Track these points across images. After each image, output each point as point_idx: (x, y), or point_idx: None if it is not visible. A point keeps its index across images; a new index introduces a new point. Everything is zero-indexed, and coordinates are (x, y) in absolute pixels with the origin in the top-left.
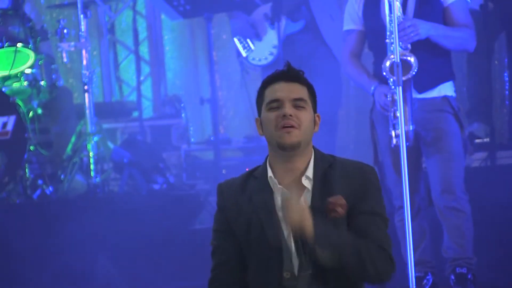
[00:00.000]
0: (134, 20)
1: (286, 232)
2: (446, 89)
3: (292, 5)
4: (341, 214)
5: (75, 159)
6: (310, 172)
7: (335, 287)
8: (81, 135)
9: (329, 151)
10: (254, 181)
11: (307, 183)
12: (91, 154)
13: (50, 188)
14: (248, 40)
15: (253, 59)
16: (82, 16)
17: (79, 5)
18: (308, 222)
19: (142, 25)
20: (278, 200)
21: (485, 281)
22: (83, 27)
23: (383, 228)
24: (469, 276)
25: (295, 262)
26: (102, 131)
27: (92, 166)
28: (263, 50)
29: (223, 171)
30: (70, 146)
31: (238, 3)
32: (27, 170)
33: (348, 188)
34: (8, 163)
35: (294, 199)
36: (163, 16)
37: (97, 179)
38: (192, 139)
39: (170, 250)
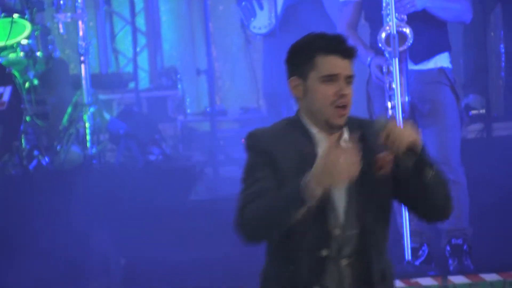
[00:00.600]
0: None
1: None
2: (442, 61)
3: None
4: (389, 171)
5: (71, 130)
6: (346, 135)
7: (377, 250)
8: (77, 106)
9: None
10: (295, 132)
11: (345, 145)
12: (87, 125)
13: (46, 159)
14: (255, 4)
15: (254, 27)
16: None
17: None
18: (418, 138)
19: None
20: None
21: (481, 252)
22: None
23: None
24: (464, 247)
25: (341, 220)
26: (98, 102)
27: (88, 137)
28: (264, 19)
29: (221, 142)
30: (66, 117)
31: None
32: (23, 141)
33: (377, 143)
34: (4, 134)
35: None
36: None
37: (93, 150)
38: (189, 111)
39: (166, 221)
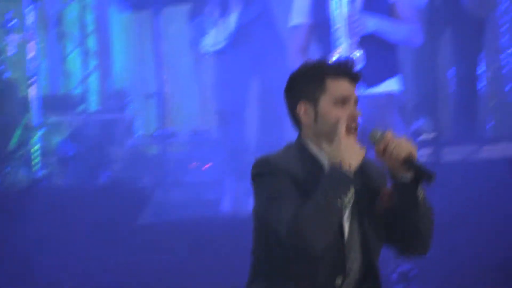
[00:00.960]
0: (82, 13)
1: None
2: (393, 84)
3: None
4: (388, 204)
5: (20, 152)
6: None
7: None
8: (26, 128)
9: (281, 141)
10: (304, 159)
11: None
12: (36, 147)
13: None
14: (208, 23)
15: (206, 45)
16: (29, 7)
17: None
18: (415, 150)
19: (90, 17)
20: None
21: (430, 279)
22: (30, 19)
23: None
24: (411, 274)
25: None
26: (48, 124)
27: (37, 160)
28: (216, 37)
29: (170, 166)
30: (15, 139)
31: None
32: None
33: (380, 178)
34: None
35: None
36: (111, 8)
37: (43, 173)
38: (138, 133)
39: (114, 244)
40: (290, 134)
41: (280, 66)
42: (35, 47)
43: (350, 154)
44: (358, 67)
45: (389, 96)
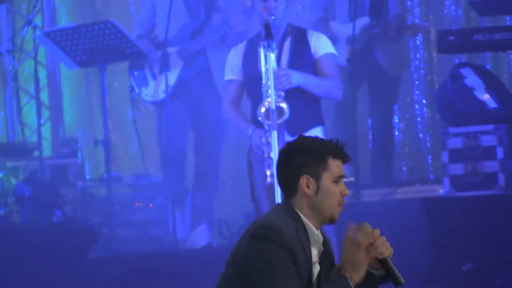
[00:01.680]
0: (35, 69)
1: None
2: (316, 133)
3: (190, 53)
4: None
5: None
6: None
7: None
8: None
9: (211, 186)
10: (298, 232)
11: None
12: None
13: None
14: (148, 74)
15: (146, 95)
16: None
17: None
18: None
19: (42, 73)
20: (313, 252)
21: None
22: None
23: None
24: None
25: None
26: (6, 169)
27: None
28: (156, 88)
29: (116, 206)
30: None
31: (128, 54)
32: None
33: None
34: None
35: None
36: (61, 65)
37: (1, 212)
38: (87, 177)
39: (67, 277)
40: (221, 177)
41: (216, 117)
42: None
43: (360, 271)
44: (283, 117)
45: None
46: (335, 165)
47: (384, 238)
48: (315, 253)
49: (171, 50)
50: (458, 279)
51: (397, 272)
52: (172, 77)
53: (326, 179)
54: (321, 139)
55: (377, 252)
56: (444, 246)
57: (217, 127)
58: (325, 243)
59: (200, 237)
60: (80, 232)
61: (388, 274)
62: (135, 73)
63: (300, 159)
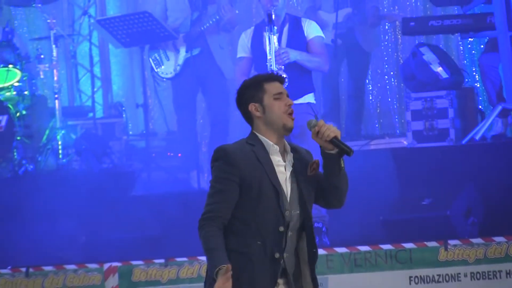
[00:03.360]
0: (90, 49)
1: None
2: (309, 98)
3: (193, 36)
4: (314, 173)
5: (48, 146)
6: (290, 155)
7: (310, 223)
8: (52, 129)
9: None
10: (253, 147)
11: (285, 148)
12: (59, 142)
13: (31, 166)
14: (162, 56)
15: (162, 73)
16: (54, 46)
17: (52, 38)
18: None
19: (95, 52)
20: (275, 159)
21: (335, 232)
22: (54, 53)
23: None
24: (323, 229)
25: (286, 203)
26: (67, 127)
27: (60, 151)
28: (169, 67)
29: (153, 155)
30: (45, 137)
31: (161, 37)
32: (15, 153)
33: (307, 155)
34: (1, 148)
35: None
36: (110, 46)
37: (64, 160)
38: (130, 132)
39: (114, 210)
40: (231, 136)
41: (217, 87)
42: (58, 73)
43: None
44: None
45: (307, 105)
46: (271, 86)
47: (328, 125)
48: (277, 159)
49: (180, 35)
50: (419, 211)
51: (345, 146)
52: (180, 57)
53: (267, 99)
54: (256, 74)
55: (324, 136)
56: (408, 186)
57: (221, 94)
58: (296, 150)
59: None
60: (124, 176)
61: (339, 150)
62: (153, 56)
63: (244, 94)
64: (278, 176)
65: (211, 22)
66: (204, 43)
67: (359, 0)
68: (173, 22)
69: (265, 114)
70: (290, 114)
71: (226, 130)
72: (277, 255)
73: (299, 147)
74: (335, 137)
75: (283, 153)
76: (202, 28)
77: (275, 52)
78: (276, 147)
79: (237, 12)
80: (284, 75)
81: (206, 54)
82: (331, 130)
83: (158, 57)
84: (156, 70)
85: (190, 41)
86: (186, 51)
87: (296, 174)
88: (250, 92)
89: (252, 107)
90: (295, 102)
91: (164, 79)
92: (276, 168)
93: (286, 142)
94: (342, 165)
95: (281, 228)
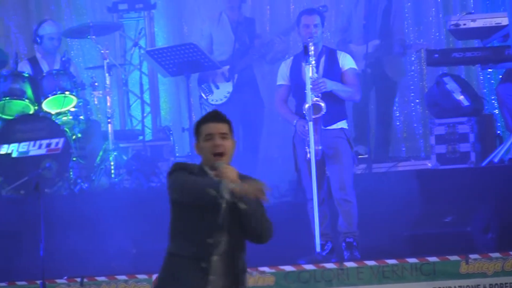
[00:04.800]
0: (140, 77)
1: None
2: (342, 124)
3: (241, 67)
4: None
5: (102, 166)
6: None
7: (237, 251)
8: (105, 151)
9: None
10: (200, 170)
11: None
12: (112, 163)
13: (86, 185)
14: (212, 85)
15: (212, 100)
16: (107, 74)
17: (105, 67)
18: (236, 180)
19: (145, 80)
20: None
21: (365, 247)
22: (107, 81)
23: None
24: (354, 244)
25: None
26: (119, 149)
27: (112, 171)
28: (219, 95)
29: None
30: (98, 158)
31: (206, 67)
32: (71, 173)
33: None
34: (59, 168)
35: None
36: (158, 75)
37: (116, 179)
38: (177, 154)
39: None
40: (269, 155)
41: (260, 115)
42: (111, 99)
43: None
44: (321, 112)
45: (340, 130)
46: (204, 128)
47: (226, 170)
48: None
49: (226, 67)
50: (442, 227)
51: (237, 198)
52: (229, 86)
53: (201, 140)
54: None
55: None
56: (432, 204)
57: (259, 118)
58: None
59: None
60: None
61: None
62: (203, 85)
63: (194, 134)
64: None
65: (259, 54)
66: (251, 74)
67: (387, 32)
68: (219, 55)
69: (201, 152)
70: (216, 154)
71: (256, 154)
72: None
73: (248, 178)
74: (233, 180)
75: None
76: (248, 60)
77: (313, 81)
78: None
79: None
80: (323, 104)
81: (252, 84)
82: (227, 175)
83: (207, 87)
84: (205, 98)
85: (237, 71)
86: (234, 81)
87: (228, 206)
88: (194, 133)
89: (195, 146)
90: (329, 127)
91: (214, 106)
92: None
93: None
94: (242, 207)
95: (210, 241)
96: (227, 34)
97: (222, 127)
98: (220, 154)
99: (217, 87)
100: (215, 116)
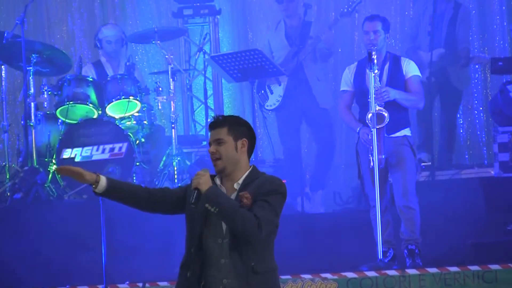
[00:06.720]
0: (204, 83)
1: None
2: (405, 132)
3: (291, 68)
4: (246, 203)
5: (165, 171)
6: (241, 180)
7: (241, 253)
8: (169, 156)
9: (330, 170)
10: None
11: (236, 185)
12: (175, 168)
13: None
14: (267, 91)
15: (267, 105)
16: (171, 79)
17: (169, 73)
18: (204, 184)
19: (209, 86)
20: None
21: (427, 254)
22: (171, 86)
23: (266, 209)
24: (416, 251)
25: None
26: (183, 154)
27: (175, 176)
28: (273, 100)
29: None
30: (162, 163)
31: (270, 73)
32: (134, 177)
33: (257, 188)
34: (122, 173)
35: (202, 171)
36: (223, 80)
37: (179, 184)
38: None
39: None
40: (336, 163)
41: (321, 119)
42: (175, 104)
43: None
44: (385, 121)
45: (403, 137)
46: (210, 135)
47: (200, 176)
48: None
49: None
50: (504, 235)
51: (196, 197)
52: (280, 90)
53: None
54: None
55: (193, 184)
56: (494, 212)
57: (323, 123)
58: (247, 186)
59: (318, 204)
60: None
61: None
62: (260, 92)
63: None
64: None
65: (310, 48)
66: (303, 75)
67: (452, 41)
68: (277, 60)
69: None
70: (214, 160)
71: (331, 157)
72: None
73: (264, 178)
74: (196, 188)
75: (231, 191)
76: (300, 59)
77: (376, 90)
78: (223, 188)
79: (333, 32)
80: (386, 114)
81: (304, 86)
82: (195, 181)
83: (264, 92)
84: (262, 104)
85: (288, 74)
86: (286, 83)
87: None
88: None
89: None
90: (393, 135)
91: (269, 112)
92: None
93: (240, 180)
94: (211, 209)
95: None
96: (282, 40)
97: (216, 134)
98: (217, 160)
99: (271, 92)
100: (210, 124)
